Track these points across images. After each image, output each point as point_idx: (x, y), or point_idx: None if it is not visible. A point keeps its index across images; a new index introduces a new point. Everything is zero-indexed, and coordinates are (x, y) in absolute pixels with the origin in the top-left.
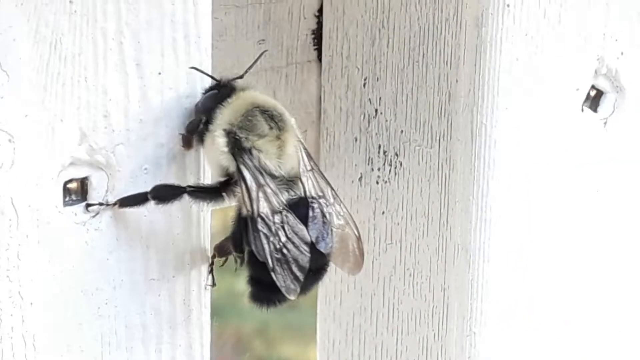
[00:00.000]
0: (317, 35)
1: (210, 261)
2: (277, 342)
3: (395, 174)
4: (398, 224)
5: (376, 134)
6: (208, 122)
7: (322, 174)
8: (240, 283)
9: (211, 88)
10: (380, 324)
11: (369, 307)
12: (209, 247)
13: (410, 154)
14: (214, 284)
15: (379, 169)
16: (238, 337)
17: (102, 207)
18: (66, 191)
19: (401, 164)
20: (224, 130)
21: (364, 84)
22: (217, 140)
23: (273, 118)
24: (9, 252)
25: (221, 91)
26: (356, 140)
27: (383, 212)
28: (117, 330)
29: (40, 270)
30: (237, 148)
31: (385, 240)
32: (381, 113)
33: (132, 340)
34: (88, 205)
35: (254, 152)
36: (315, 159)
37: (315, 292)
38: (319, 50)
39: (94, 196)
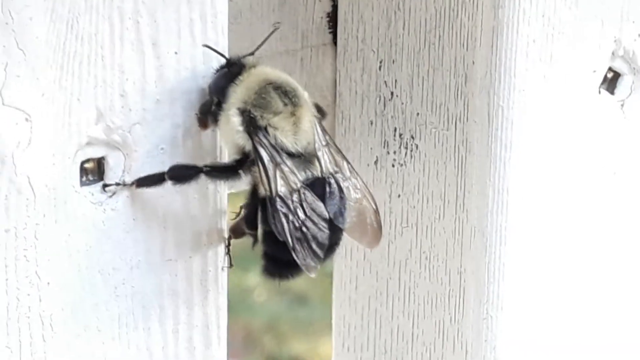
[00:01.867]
0: (332, 18)
1: (226, 242)
2: (287, 338)
3: (411, 156)
4: (414, 207)
5: (392, 116)
6: (221, 101)
7: (337, 148)
8: (250, 278)
9: (222, 67)
10: (396, 308)
11: (385, 291)
12: (225, 228)
13: (426, 137)
14: (231, 265)
15: (394, 152)
16: (248, 333)
17: (119, 187)
18: (83, 171)
19: (417, 147)
20: (238, 109)
21: (380, 67)
22: (231, 119)
23: (287, 94)
24: (26, 232)
25: (231, 69)
26: (372, 123)
27: (399, 195)
28: (134, 311)
29: (57, 250)
30: (252, 127)
31: (401, 223)
32: (397, 96)
33: (149, 320)
34: (105, 185)
35: (270, 129)
36: None
37: (327, 287)
38: (334, 34)
39: (111, 176)
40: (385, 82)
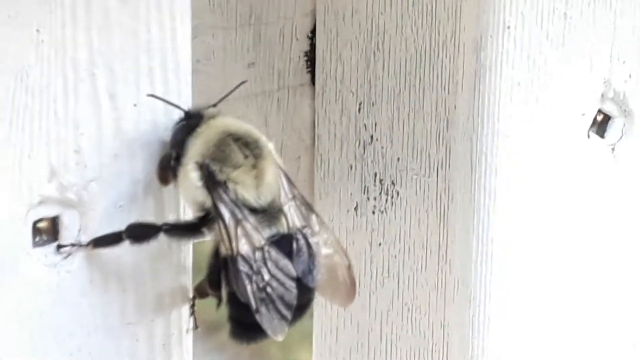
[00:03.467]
0: (311, 58)
1: (191, 302)
2: (294, 349)
3: (392, 203)
4: (395, 256)
5: (372, 161)
6: (180, 155)
7: (305, 200)
8: None
9: (181, 119)
10: None
11: (366, 343)
12: (190, 287)
13: (407, 183)
14: (196, 327)
15: (375, 199)
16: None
17: (75, 247)
18: (36, 231)
19: (398, 194)
20: (196, 163)
21: (359, 109)
22: (189, 174)
23: (248, 145)
24: None
25: (190, 121)
26: (351, 167)
27: (380, 244)
28: None
29: (6, 317)
30: (211, 181)
31: (383, 273)
32: (377, 139)
33: None
34: (59, 246)
35: (230, 184)
36: (310, 187)
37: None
38: (312, 73)
39: (66, 236)
40: (364, 125)
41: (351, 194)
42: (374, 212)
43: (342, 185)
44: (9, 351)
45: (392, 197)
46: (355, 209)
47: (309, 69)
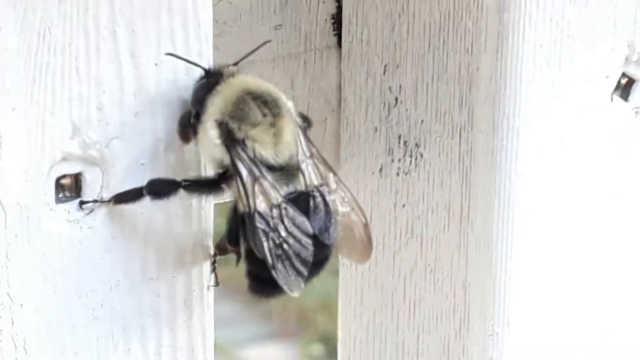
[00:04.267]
0: (337, 20)
1: (212, 259)
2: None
3: (416, 165)
4: (419, 217)
5: (396, 123)
6: (199, 113)
7: (323, 158)
8: None
9: (201, 77)
10: (402, 322)
11: (390, 304)
12: (211, 244)
13: (430, 145)
14: (217, 284)
15: (399, 160)
16: (302, 312)
17: (97, 204)
18: (59, 187)
19: (422, 155)
20: (215, 121)
21: (384, 72)
22: (208, 132)
23: (267, 104)
24: None
25: (210, 80)
26: (376, 130)
27: (404, 205)
28: (113, 333)
29: (30, 271)
30: (229, 139)
31: (406, 234)
32: (401, 102)
33: (130, 343)
34: (82, 202)
35: (248, 142)
36: (336, 149)
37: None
38: (339, 36)
39: (88, 192)
40: (389, 87)
41: (376, 156)
42: (398, 174)
43: (367, 147)
44: (33, 305)
45: (415, 159)
46: (380, 170)
47: (335, 32)
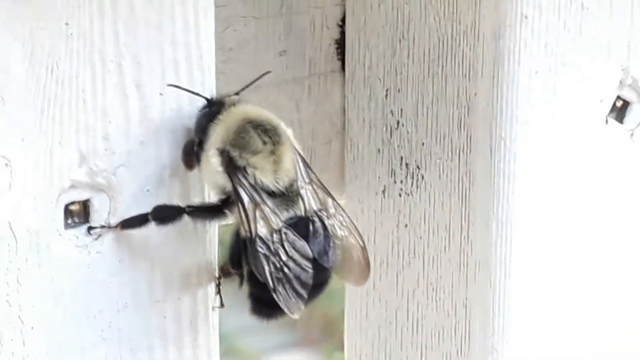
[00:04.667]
0: (341, 45)
1: (217, 281)
2: None
3: (417, 186)
4: (421, 237)
5: (398, 145)
6: (202, 141)
7: (321, 184)
8: None
9: (204, 107)
10: (405, 339)
11: (394, 321)
12: (216, 266)
13: (431, 167)
14: (222, 305)
15: (401, 182)
16: (326, 321)
17: (104, 229)
18: (68, 213)
19: (423, 177)
20: (217, 149)
21: (386, 95)
22: (211, 160)
23: (267, 132)
24: (8, 277)
25: (212, 109)
26: (379, 151)
27: (406, 225)
28: (121, 354)
29: (41, 295)
30: (231, 167)
31: (409, 253)
32: (403, 125)
33: None
34: (90, 228)
35: (249, 169)
36: (340, 170)
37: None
38: (343, 61)
39: (96, 218)
40: (391, 110)
41: (379, 177)
42: (400, 195)
43: (371, 169)
44: (44, 326)
45: (417, 181)
46: (383, 191)
47: (339, 57)
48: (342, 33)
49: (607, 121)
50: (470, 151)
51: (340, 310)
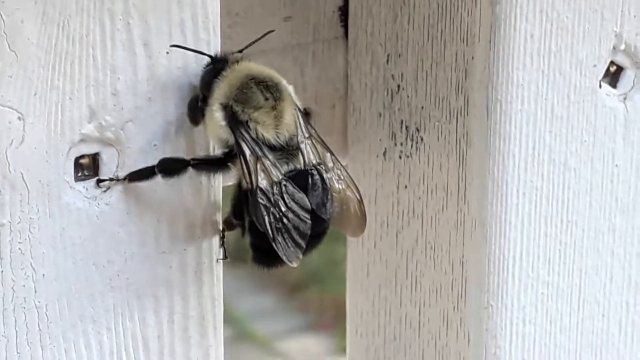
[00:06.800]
0: (344, 12)
1: (221, 234)
2: None
3: (417, 148)
4: (420, 197)
5: (399, 109)
6: (206, 97)
7: (320, 139)
8: (339, 250)
9: (208, 64)
10: (405, 296)
11: (394, 279)
12: (220, 220)
13: (430, 130)
14: (225, 257)
15: (401, 144)
16: (338, 305)
17: (113, 182)
18: (78, 166)
19: (422, 139)
20: (221, 104)
21: (387, 61)
22: (214, 114)
23: (269, 88)
24: (21, 226)
25: (216, 65)
26: (380, 115)
27: (406, 186)
28: (129, 301)
29: (51, 243)
30: (234, 121)
31: (408, 213)
32: (403, 89)
33: (144, 310)
34: (99, 180)
35: (251, 124)
36: (343, 134)
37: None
38: (346, 27)
39: (105, 172)
40: (392, 75)
41: (380, 139)
42: (400, 157)
43: (372, 132)
44: (55, 274)
45: (416, 143)
46: (384, 153)
47: (342, 23)
48: (346, 0)
49: (600, 85)
50: (467, 114)
51: None
